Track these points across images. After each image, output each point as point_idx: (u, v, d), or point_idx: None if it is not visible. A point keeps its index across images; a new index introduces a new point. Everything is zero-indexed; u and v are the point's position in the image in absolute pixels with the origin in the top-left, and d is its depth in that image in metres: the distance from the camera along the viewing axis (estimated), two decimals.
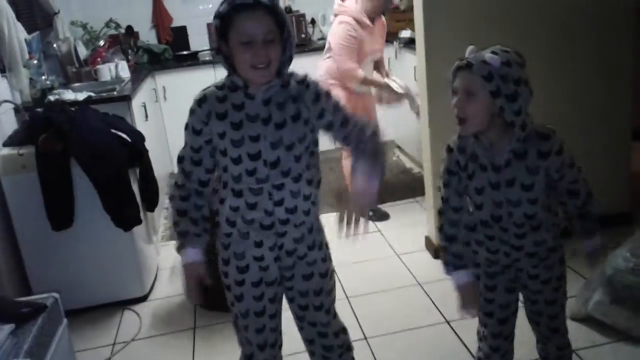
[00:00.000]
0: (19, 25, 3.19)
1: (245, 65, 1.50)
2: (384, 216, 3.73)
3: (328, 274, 1.79)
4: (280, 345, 1.85)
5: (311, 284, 1.75)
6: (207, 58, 4.85)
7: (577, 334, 2.44)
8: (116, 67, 4.00)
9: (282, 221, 1.63)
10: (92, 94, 3.37)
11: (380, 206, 3.86)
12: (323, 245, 1.78)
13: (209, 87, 1.62)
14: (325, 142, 1.74)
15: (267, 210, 1.60)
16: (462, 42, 2.83)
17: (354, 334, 2.59)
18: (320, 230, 1.78)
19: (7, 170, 2.78)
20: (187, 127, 1.62)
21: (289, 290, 1.77)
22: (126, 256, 2.99)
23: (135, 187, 2.98)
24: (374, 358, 2.45)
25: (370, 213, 3.66)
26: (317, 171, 1.69)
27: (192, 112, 1.60)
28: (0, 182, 2.80)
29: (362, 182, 1.60)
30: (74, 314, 2.95)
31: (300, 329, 1.83)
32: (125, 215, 2.86)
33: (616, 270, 2.41)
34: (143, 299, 3.08)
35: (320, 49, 4.86)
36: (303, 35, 5.02)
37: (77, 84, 3.90)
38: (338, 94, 3.43)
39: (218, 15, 1.50)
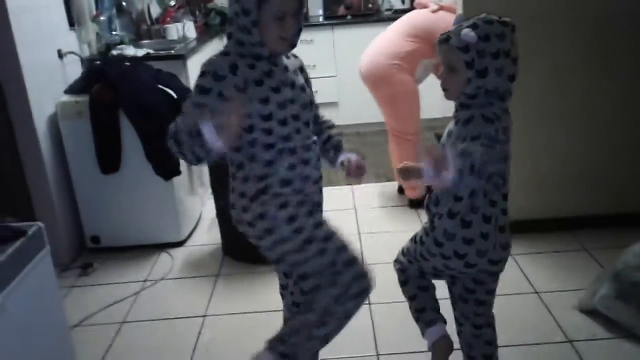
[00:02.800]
0: None
1: (274, 37, 1.64)
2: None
3: None
4: None
5: None
6: None
7: (581, 325, 2.43)
8: (183, 27, 4.23)
9: (321, 177, 1.83)
10: (151, 51, 3.61)
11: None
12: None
13: (228, 53, 1.68)
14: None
15: (316, 166, 1.79)
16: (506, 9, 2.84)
17: None
18: None
19: (64, 116, 3.08)
20: (207, 90, 1.63)
21: None
22: (166, 203, 3.24)
23: None
24: (372, 323, 2.56)
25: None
26: None
27: (221, 77, 1.63)
28: (59, 126, 3.11)
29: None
30: (116, 250, 3.28)
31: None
32: (165, 165, 3.10)
33: (626, 265, 2.35)
34: (180, 244, 3.33)
35: (387, 20, 4.86)
36: (370, 5, 5.03)
37: (146, 41, 4.17)
38: (402, 77, 3.40)
39: None
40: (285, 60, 1.76)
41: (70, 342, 1.89)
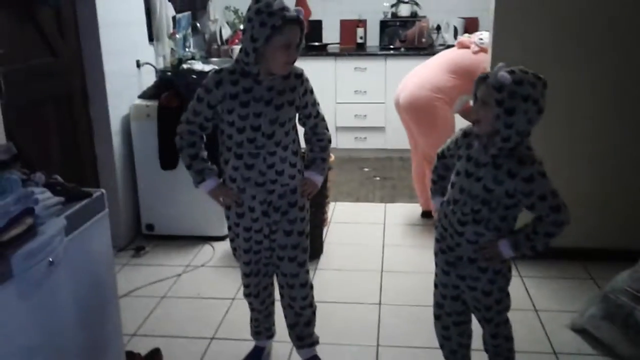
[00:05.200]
0: (169, 4, 3.99)
1: (281, 62, 1.98)
2: None
3: (304, 234, 2.24)
4: (270, 275, 2.37)
5: (290, 239, 2.21)
6: (335, 50, 5.41)
7: (569, 341, 2.64)
8: None
9: (272, 181, 2.12)
10: (217, 67, 4.08)
11: None
12: (304, 208, 2.23)
13: (222, 70, 2.07)
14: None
15: (261, 171, 2.10)
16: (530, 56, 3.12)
17: (371, 299, 3.03)
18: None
19: (136, 117, 3.58)
20: (201, 99, 2.07)
21: (272, 242, 2.25)
22: (213, 201, 3.64)
23: None
24: (379, 320, 2.85)
25: None
26: (299, 145, 2.20)
27: (209, 90, 2.05)
28: (130, 125, 3.61)
29: (313, 176, 2.22)
30: (167, 238, 3.72)
31: (276, 275, 2.33)
32: (218, 167, 3.51)
33: (613, 288, 2.54)
34: (222, 237, 3.71)
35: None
36: (424, 40, 5.36)
37: (214, 59, 4.68)
38: (445, 109, 3.72)
39: (272, 26, 1.88)
40: (273, 81, 2.03)
41: (117, 300, 2.28)
